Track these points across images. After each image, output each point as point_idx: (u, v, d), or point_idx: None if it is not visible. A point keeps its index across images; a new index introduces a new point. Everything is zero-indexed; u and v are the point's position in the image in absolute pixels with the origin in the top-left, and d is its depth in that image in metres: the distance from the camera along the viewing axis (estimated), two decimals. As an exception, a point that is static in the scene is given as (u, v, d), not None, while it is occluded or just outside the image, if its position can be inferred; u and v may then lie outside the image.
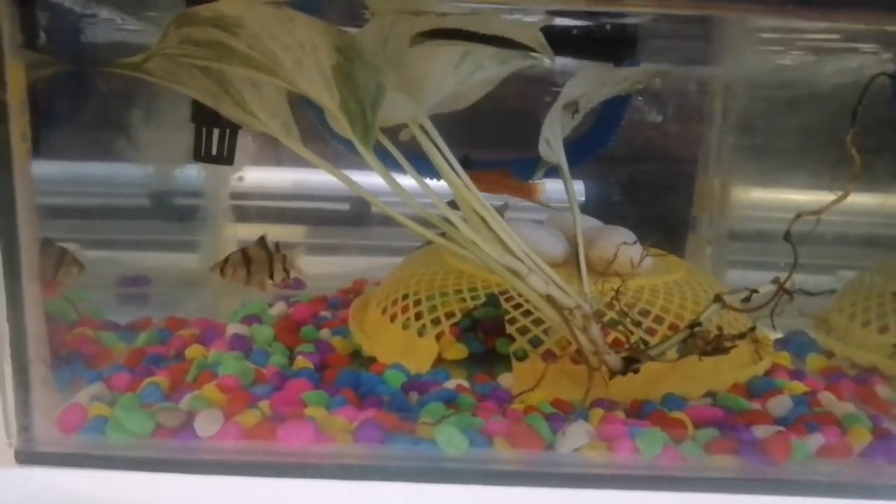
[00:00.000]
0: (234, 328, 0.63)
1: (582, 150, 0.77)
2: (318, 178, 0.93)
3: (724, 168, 0.88)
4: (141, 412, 0.47)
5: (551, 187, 0.87)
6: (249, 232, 0.92)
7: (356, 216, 0.97)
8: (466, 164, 0.53)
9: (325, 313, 0.71)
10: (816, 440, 0.49)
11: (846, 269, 0.84)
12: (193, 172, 0.89)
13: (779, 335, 0.68)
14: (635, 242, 0.58)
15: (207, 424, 0.47)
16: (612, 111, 0.76)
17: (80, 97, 0.74)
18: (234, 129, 0.62)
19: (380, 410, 0.50)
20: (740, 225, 0.90)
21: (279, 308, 0.71)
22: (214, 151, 0.61)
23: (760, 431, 0.49)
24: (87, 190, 0.91)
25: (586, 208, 0.69)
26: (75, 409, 0.48)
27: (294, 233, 0.97)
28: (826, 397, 0.56)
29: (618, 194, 0.94)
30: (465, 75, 0.52)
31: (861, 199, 0.84)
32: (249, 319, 0.67)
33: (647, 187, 0.93)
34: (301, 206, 0.97)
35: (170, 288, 0.86)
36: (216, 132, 0.60)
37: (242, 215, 0.93)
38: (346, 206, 0.98)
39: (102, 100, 0.79)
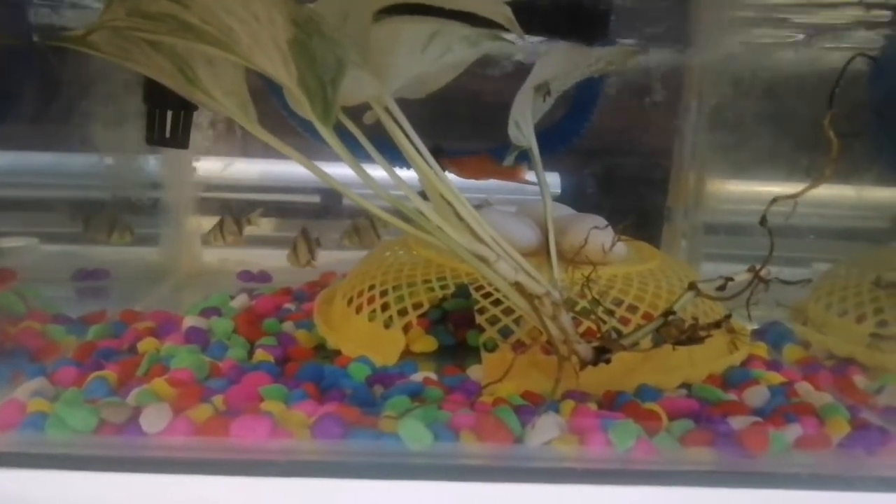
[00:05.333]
0: (190, 321, 0.60)
1: (555, 139, 0.75)
2: (286, 169, 0.91)
3: (699, 159, 0.87)
4: (83, 407, 0.44)
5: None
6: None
7: (326, 209, 0.95)
8: (438, 153, 0.51)
9: (289, 306, 0.69)
10: (794, 431, 0.47)
11: (821, 261, 0.83)
12: (154, 163, 0.87)
13: (755, 326, 0.67)
14: (606, 227, 0.56)
15: (154, 420, 0.44)
16: (585, 98, 0.74)
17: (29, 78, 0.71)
18: (190, 110, 0.59)
19: (341, 404, 0.47)
20: (715, 217, 0.89)
21: (241, 300, 0.68)
22: (168, 134, 0.58)
23: (737, 423, 0.48)
24: (44, 182, 0.88)
25: (561, 201, 0.67)
26: (12, 404, 0.45)
27: (261, 225, 0.94)
28: (803, 388, 0.54)
29: (592, 186, 0.92)
30: (433, 58, 0.50)
31: (836, 192, 0.84)
32: (208, 312, 0.64)
33: (622, 179, 0.91)
34: (269, 199, 0.94)
35: (130, 282, 0.83)
36: (170, 114, 0.57)
37: (206, 208, 0.90)
38: (316, 199, 0.95)
39: (55, 83, 0.76)
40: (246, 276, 0.84)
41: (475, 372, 0.55)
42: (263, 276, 0.84)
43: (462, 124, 0.84)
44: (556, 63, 0.54)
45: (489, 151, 0.79)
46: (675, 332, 0.49)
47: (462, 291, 0.60)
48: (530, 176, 0.64)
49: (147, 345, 0.56)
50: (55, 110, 0.80)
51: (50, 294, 0.72)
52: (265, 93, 0.65)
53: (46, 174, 0.87)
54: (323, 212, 0.94)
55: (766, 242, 0.49)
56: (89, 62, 0.77)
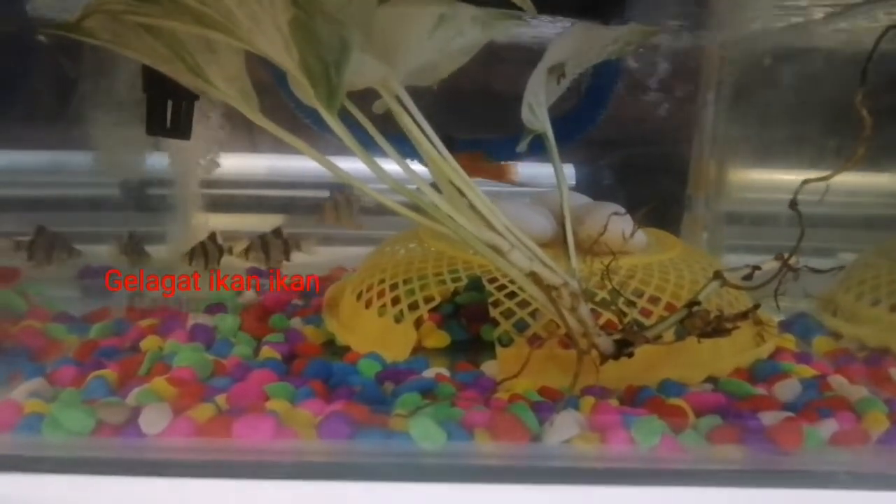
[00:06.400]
0: (195, 318, 0.59)
1: (570, 127, 0.72)
2: (295, 164, 0.89)
3: (720, 146, 0.84)
4: (80, 408, 0.43)
5: (539, 171, 0.83)
6: (221, 222, 0.88)
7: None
8: (449, 144, 0.49)
9: (297, 301, 0.67)
10: (829, 426, 0.45)
11: (847, 251, 0.80)
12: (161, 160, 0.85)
13: (781, 317, 0.64)
14: (625, 214, 0.54)
15: (154, 420, 0.42)
16: (600, 85, 0.71)
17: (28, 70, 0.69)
18: (191, 99, 0.57)
19: (349, 402, 0.45)
20: (738, 207, 0.86)
21: (248, 296, 0.66)
22: (169, 124, 0.56)
23: (768, 418, 0.45)
24: (51, 180, 0.87)
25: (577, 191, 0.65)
26: (8, 406, 0.44)
27: (271, 222, 0.92)
28: (837, 381, 0.52)
29: (608, 177, 0.89)
30: (442, 42, 0.47)
31: (866, 179, 0.81)
32: (214, 309, 0.62)
33: (639, 169, 0.88)
34: (278, 195, 0.92)
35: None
36: (170, 103, 0.56)
37: (214, 204, 0.88)
38: (326, 194, 0.94)
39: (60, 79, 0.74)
40: (254, 272, 0.83)
41: (489, 368, 0.52)
42: (273, 273, 0.82)
43: (468, 115, 0.82)
44: (571, 44, 0.51)
45: (497, 143, 0.77)
46: (701, 323, 0.46)
47: (475, 284, 0.58)
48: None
49: (149, 343, 0.54)
50: (60, 107, 0.79)
51: (56, 293, 0.71)
52: (273, 88, 0.63)
53: (53, 172, 0.86)
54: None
55: (791, 233, 0.46)
56: (96, 56, 0.75)
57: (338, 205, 0.82)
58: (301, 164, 0.88)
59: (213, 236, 0.81)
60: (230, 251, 0.82)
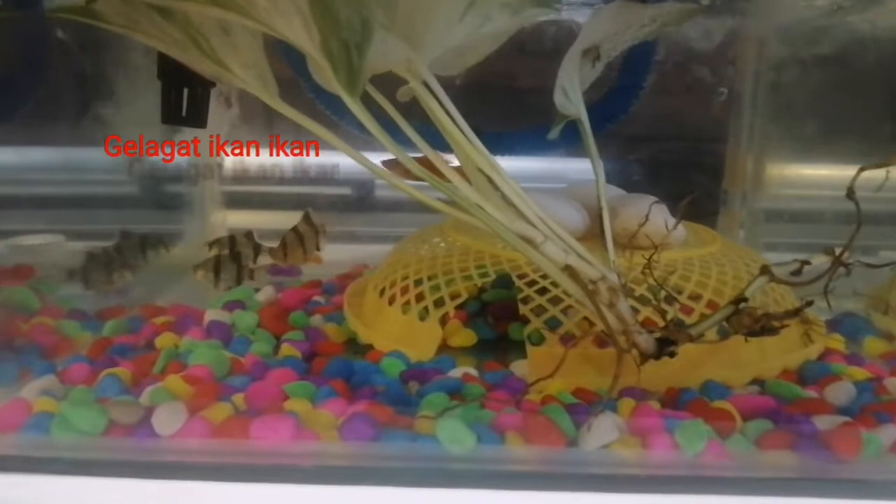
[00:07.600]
0: (212, 315, 0.57)
1: (601, 116, 0.70)
2: (317, 160, 0.87)
3: (758, 139, 0.80)
4: (92, 407, 0.41)
5: (569, 167, 0.81)
6: (240, 219, 0.86)
7: (360, 201, 0.90)
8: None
9: (318, 298, 0.65)
10: (889, 432, 0.41)
11: (890, 249, 0.76)
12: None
13: (827, 316, 0.61)
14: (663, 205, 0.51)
15: (168, 420, 0.40)
16: (633, 71, 0.68)
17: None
18: (206, 86, 0.55)
19: (373, 403, 0.43)
20: (777, 204, 0.83)
21: (267, 293, 0.64)
22: (185, 113, 0.54)
23: (822, 423, 0.42)
24: (68, 178, 0.86)
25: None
26: (17, 404, 0.42)
27: (291, 219, 0.90)
28: (893, 384, 0.48)
29: (640, 173, 0.86)
30: (471, 28, 0.45)
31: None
32: (232, 305, 0.60)
33: (673, 164, 0.85)
34: (299, 191, 0.90)
35: (155, 278, 0.80)
36: (186, 91, 0.54)
37: (233, 201, 0.86)
38: (347, 191, 0.92)
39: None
40: (275, 269, 0.81)
41: (519, 367, 0.50)
42: (293, 270, 0.80)
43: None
44: (606, 24, 0.49)
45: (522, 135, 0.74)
46: (748, 321, 0.43)
47: (502, 281, 0.55)
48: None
49: (164, 340, 0.52)
50: (77, 103, 0.78)
51: (73, 291, 0.69)
52: (291, 84, 0.61)
53: (71, 170, 0.85)
54: (355, 204, 0.90)
55: (833, 231, 0.43)
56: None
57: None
58: (321, 159, 0.86)
59: (249, 234, 0.79)
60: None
